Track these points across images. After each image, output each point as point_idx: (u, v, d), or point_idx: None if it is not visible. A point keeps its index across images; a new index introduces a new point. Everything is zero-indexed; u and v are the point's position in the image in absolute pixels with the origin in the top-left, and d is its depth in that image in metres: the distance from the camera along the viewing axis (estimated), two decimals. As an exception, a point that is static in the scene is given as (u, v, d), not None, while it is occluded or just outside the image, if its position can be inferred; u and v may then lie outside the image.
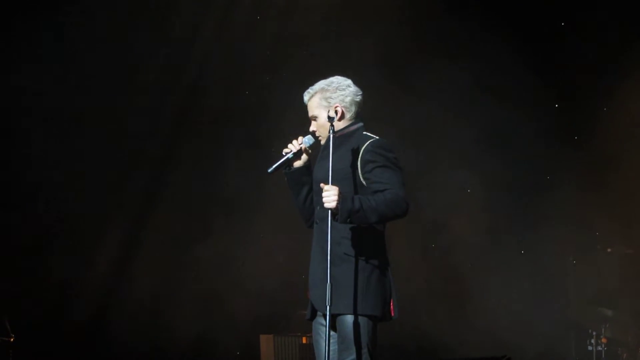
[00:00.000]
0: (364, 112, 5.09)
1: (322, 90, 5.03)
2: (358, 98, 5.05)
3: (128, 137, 9.66)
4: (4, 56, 9.05)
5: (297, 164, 5.05)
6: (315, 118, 5.04)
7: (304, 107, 5.12)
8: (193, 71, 10.00)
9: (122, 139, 9.60)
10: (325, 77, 5.10)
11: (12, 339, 7.95)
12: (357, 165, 4.87)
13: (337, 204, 4.62)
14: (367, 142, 4.89)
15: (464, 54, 9.41)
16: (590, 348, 8.46)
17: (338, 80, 5.05)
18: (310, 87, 5.07)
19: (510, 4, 9.33)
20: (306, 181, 5.07)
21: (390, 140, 4.94)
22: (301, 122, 5.22)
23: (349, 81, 5.07)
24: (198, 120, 10.07)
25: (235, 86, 9.92)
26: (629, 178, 8.91)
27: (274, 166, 4.98)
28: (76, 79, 9.28)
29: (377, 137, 4.95)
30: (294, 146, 5.02)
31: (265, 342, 9.22)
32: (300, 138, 5.03)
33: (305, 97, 5.08)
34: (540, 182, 9.33)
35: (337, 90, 5.01)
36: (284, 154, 5.02)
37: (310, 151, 5.05)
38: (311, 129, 5.05)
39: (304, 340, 8.89)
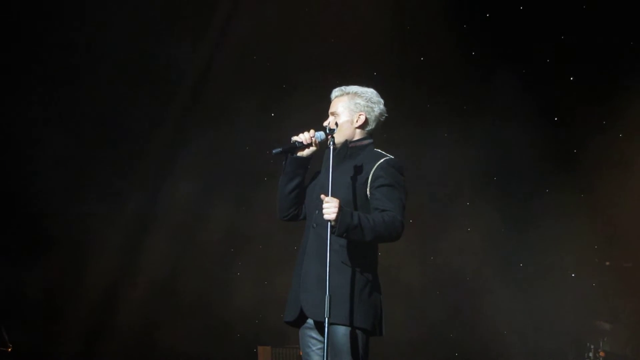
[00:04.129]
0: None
1: (355, 94, 5.11)
2: (382, 118, 5.15)
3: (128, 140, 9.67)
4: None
5: (301, 154, 5.11)
6: (334, 115, 5.10)
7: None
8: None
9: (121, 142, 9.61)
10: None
11: (9, 349, 7.94)
12: (365, 180, 4.91)
13: (337, 216, 4.64)
14: (383, 159, 4.95)
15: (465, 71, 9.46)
16: (588, 361, 8.46)
17: (372, 93, 5.15)
18: (344, 86, 5.16)
19: (510, 22, 9.34)
20: (301, 173, 5.13)
21: (402, 162, 4.99)
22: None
23: (382, 100, 5.15)
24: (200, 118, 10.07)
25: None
26: (628, 192, 8.90)
27: (280, 149, 5.08)
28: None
29: (391, 156, 5.00)
30: (305, 137, 5.07)
31: (263, 354, 9.20)
32: (312, 131, 5.08)
33: (336, 92, 5.16)
34: (539, 195, 9.31)
35: (369, 101, 5.10)
36: (292, 141, 5.08)
37: (318, 147, 5.09)
38: (326, 123, 5.10)
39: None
